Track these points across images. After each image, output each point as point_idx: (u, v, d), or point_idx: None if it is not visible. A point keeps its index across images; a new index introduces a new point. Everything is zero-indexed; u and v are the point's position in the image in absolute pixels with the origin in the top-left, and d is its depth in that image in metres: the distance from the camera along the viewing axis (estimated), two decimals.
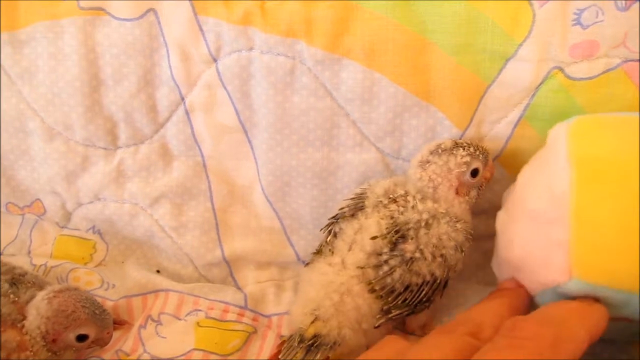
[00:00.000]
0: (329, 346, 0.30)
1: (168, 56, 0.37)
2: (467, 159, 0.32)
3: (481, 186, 0.34)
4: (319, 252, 0.33)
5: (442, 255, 0.31)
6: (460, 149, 0.32)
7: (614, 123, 0.29)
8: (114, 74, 0.37)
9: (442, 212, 0.32)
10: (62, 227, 0.42)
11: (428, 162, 0.33)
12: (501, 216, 0.31)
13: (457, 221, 0.32)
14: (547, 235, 0.27)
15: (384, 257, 0.31)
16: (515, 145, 0.35)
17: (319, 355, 0.30)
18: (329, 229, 0.33)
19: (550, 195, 0.27)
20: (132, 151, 0.39)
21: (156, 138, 0.39)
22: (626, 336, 0.31)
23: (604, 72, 0.32)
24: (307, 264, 0.34)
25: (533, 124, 0.35)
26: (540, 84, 0.33)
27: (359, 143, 0.37)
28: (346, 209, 0.33)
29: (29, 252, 0.41)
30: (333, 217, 0.34)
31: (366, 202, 0.33)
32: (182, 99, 0.37)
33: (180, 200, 0.39)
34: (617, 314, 0.27)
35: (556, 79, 0.33)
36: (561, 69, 0.33)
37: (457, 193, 0.33)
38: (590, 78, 0.32)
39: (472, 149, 0.33)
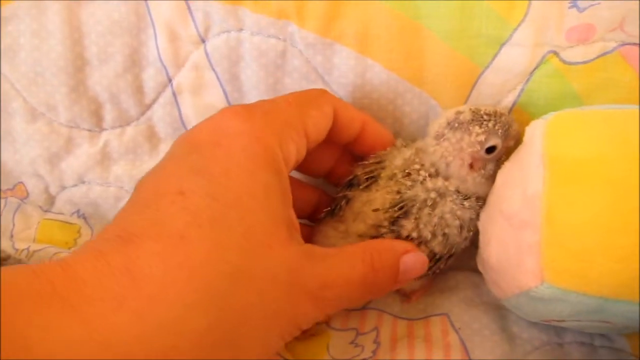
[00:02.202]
0: None
1: (155, 36, 0.36)
2: (482, 137, 0.30)
3: (500, 158, 0.32)
4: (330, 212, 0.33)
5: (444, 234, 0.30)
6: (477, 125, 0.31)
7: (594, 119, 0.28)
8: (100, 54, 0.36)
9: (450, 190, 0.31)
10: (46, 211, 0.41)
11: (443, 136, 0.31)
12: (483, 214, 0.31)
13: (465, 198, 0.31)
14: (520, 238, 0.27)
15: (382, 230, 0.30)
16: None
17: None
18: (343, 193, 0.33)
19: (524, 197, 0.27)
20: (117, 133, 0.38)
21: (142, 120, 0.38)
22: (614, 331, 0.31)
23: (600, 56, 0.32)
24: (318, 219, 0.34)
25: (527, 109, 0.34)
26: (535, 68, 0.33)
27: None
28: (362, 176, 0.32)
29: (12, 236, 0.40)
30: (349, 182, 0.33)
31: (382, 174, 0.32)
32: (170, 80, 0.37)
33: None
34: (593, 318, 0.26)
35: (551, 63, 0.32)
36: (556, 53, 0.32)
37: (471, 168, 0.31)
38: (585, 62, 0.32)
39: (490, 124, 0.31)
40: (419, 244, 0.30)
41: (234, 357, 0.23)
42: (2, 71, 0.37)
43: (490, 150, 0.31)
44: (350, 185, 0.33)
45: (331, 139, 0.32)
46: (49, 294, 0.20)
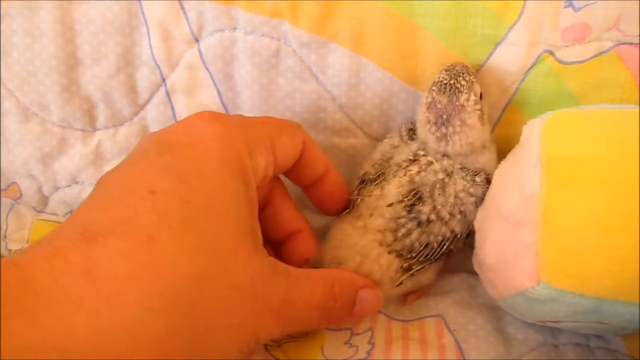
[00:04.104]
0: None
1: (148, 35, 0.35)
2: (473, 97, 0.30)
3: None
4: (348, 209, 0.33)
5: (461, 212, 0.31)
6: (460, 94, 0.30)
7: (591, 119, 0.27)
8: (92, 53, 0.36)
9: (457, 167, 0.31)
10: (39, 212, 0.40)
11: (447, 122, 0.31)
12: (479, 214, 0.31)
13: (476, 174, 0.31)
14: (516, 238, 0.26)
15: (402, 220, 0.30)
16: (504, 130, 0.35)
17: None
18: (357, 190, 0.33)
19: (521, 196, 0.27)
20: (111, 133, 0.38)
21: (136, 120, 0.38)
22: (610, 332, 0.31)
23: (595, 56, 0.31)
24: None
25: (522, 109, 0.34)
26: (530, 68, 0.33)
27: (345, 127, 0.36)
28: (371, 174, 0.32)
29: (5, 237, 0.40)
30: (361, 178, 0.33)
31: (387, 171, 0.32)
32: (163, 80, 0.36)
33: None
34: (589, 319, 0.26)
35: (546, 63, 0.32)
36: (552, 53, 0.32)
37: (480, 122, 0.31)
38: (581, 62, 0.32)
39: (465, 82, 0.31)
40: (440, 226, 0.30)
41: None
42: None
43: (480, 95, 0.31)
44: (363, 182, 0.33)
45: (293, 177, 0.32)
46: (3, 296, 0.19)
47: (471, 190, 0.31)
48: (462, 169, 0.31)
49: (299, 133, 0.31)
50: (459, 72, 0.31)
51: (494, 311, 0.33)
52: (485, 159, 0.32)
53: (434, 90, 0.31)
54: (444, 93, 0.30)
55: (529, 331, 0.31)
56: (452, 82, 0.31)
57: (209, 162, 0.25)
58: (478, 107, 0.31)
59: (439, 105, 0.31)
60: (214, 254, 0.23)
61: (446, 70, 0.31)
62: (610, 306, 0.25)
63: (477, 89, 0.31)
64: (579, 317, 0.26)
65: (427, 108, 0.31)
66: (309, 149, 0.31)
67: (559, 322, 0.28)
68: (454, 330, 0.32)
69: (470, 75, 0.31)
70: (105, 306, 0.20)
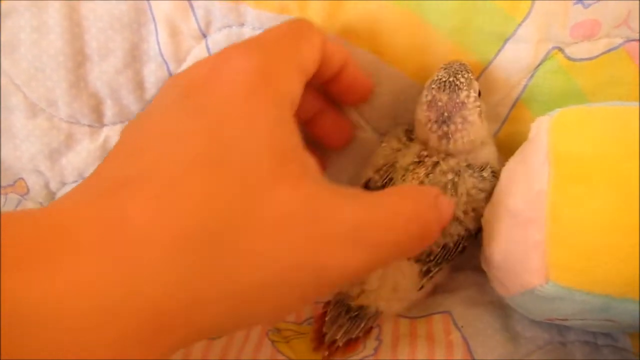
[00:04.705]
0: (372, 316, 0.32)
1: (156, 31, 0.35)
2: (473, 94, 0.30)
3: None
4: None
5: (474, 210, 0.31)
6: (460, 91, 0.30)
7: (600, 116, 0.27)
8: (100, 49, 0.36)
9: (463, 165, 0.31)
10: None
11: (449, 120, 0.31)
12: (486, 211, 0.31)
13: (482, 169, 0.31)
14: (524, 236, 0.26)
15: None
16: (511, 128, 0.35)
17: (362, 324, 0.31)
18: None
19: (529, 194, 0.27)
20: (118, 129, 0.38)
21: None
22: (618, 330, 0.31)
23: (604, 52, 0.31)
24: None
25: (530, 106, 0.34)
26: (539, 65, 0.33)
27: (355, 123, 0.36)
28: (377, 180, 0.32)
29: None
30: (365, 185, 0.33)
31: (394, 176, 0.32)
32: (171, 75, 0.36)
33: None
34: (598, 317, 0.26)
35: (555, 59, 0.32)
36: (561, 50, 0.32)
37: (480, 120, 0.31)
38: (590, 58, 0.32)
39: (463, 79, 0.30)
40: (456, 226, 0.31)
41: (234, 314, 0.21)
42: (2, 66, 0.37)
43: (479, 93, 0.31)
44: (367, 188, 0.33)
45: (313, 77, 0.30)
46: (34, 246, 0.18)
47: (480, 186, 0.31)
48: (468, 166, 0.31)
49: (314, 33, 0.29)
50: (458, 70, 0.31)
51: (502, 309, 0.33)
52: (487, 152, 0.32)
53: (433, 88, 0.31)
54: (444, 90, 0.30)
55: (537, 329, 0.31)
56: (451, 79, 0.30)
57: (235, 96, 0.24)
58: (478, 103, 0.31)
59: (440, 103, 0.30)
60: (246, 187, 0.21)
61: (444, 68, 0.31)
62: (618, 304, 0.25)
63: (476, 85, 0.31)
64: (587, 315, 0.26)
65: (427, 106, 0.31)
66: (327, 46, 0.29)
67: (567, 320, 0.28)
68: (462, 327, 0.32)
69: (468, 72, 0.31)
70: (133, 250, 0.19)
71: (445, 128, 0.31)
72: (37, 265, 0.18)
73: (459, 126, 0.30)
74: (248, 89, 0.24)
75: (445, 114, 0.30)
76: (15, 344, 0.17)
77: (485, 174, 0.31)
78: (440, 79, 0.31)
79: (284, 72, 0.26)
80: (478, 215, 0.31)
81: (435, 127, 0.31)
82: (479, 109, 0.31)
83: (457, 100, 0.30)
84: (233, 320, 0.22)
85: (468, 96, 0.30)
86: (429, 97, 0.31)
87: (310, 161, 0.24)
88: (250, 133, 0.23)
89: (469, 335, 0.31)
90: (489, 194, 0.31)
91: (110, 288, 0.18)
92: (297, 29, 0.29)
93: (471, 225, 0.31)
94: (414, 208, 0.25)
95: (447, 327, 0.32)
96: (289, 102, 0.25)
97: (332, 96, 0.33)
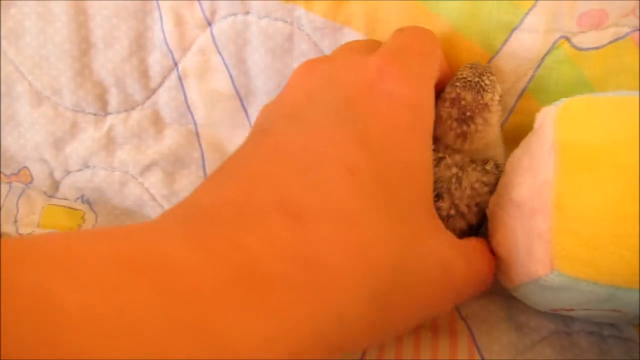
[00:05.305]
0: None
1: (161, 19, 0.35)
2: (497, 97, 0.31)
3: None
4: None
5: (477, 204, 0.30)
6: (484, 93, 0.30)
7: (606, 105, 0.27)
8: (105, 37, 0.36)
9: (467, 161, 0.31)
10: (50, 197, 0.40)
11: (470, 120, 0.31)
12: (491, 202, 0.30)
13: (485, 162, 0.31)
14: (530, 226, 0.26)
15: None
16: (518, 118, 0.34)
17: None
18: None
19: (534, 184, 0.26)
20: (122, 117, 0.38)
21: (148, 104, 0.37)
22: (624, 321, 0.30)
23: (611, 42, 0.31)
24: None
25: (537, 96, 0.34)
26: (546, 54, 0.32)
27: None
28: None
29: (16, 221, 0.40)
30: None
31: None
32: (175, 64, 0.36)
33: (172, 169, 0.38)
34: (603, 307, 0.26)
35: (562, 49, 0.32)
36: (568, 39, 0.32)
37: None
38: (597, 48, 0.31)
39: (489, 81, 0.30)
40: (459, 220, 0.30)
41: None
42: (7, 54, 0.37)
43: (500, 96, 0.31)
44: None
45: None
46: (237, 282, 0.17)
47: (484, 179, 0.30)
48: (471, 160, 0.31)
49: (440, 51, 0.29)
50: (483, 71, 0.31)
51: (507, 299, 0.32)
52: (493, 154, 0.32)
53: (457, 85, 0.30)
54: (468, 90, 0.30)
55: (542, 319, 0.31)
56: (476, 79, 0.30)
57: (397, 132, 0.23)
58: (500, 107, 0.31)
59: (463, 102, 0.30)
60: (408, 238, 0.22)
61: (470, 68, 0.31)
62: (624, 294, 0.24)
63: (499, 89, 0.31)
64: (592, 305, 0.26)
65: (450, 103, 0.31)
66: (443, 64, 0.30)
67: (572, 310, 0.28)
68: (466, 316, 0.32)
69: (492, 75, 0.31)
70: (322, 297, 0.18)
71: (465, 127, 0.30)
72: (240, 304, 0.17)
73: (479, 127, 0.30)
74: (408, 124, 0.23)
75: (468, 113, 0.30)
76: None
77: (488, 167, 0.31)
78: (466, 77, 0.30)
79: (429, 104, 0.26)
80: (481, 210, 0.31)
81: (455, 124, 0.31)
82: (500, 112, 0.31)
83: (481, 102, 0.30)
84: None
85: (492, 99, 0.30)
86: (453, 95, 0.30)
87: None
88: (410, 179, 0.23)
89: (473, 324, 0.31)
90: (493, 187, 0.31)
91: (302, 335, 0.18)
92: (431, 46, 0.29)
93: (474, 220, 0.31)
94: (490, 270, 0.27)
95: (452, 316, 0.32)
96: (431, 136, 0.25)
97: None
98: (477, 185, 0.30)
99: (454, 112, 0.30)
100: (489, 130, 0.31)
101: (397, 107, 0.24)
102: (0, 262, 0.15)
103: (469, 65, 0.31)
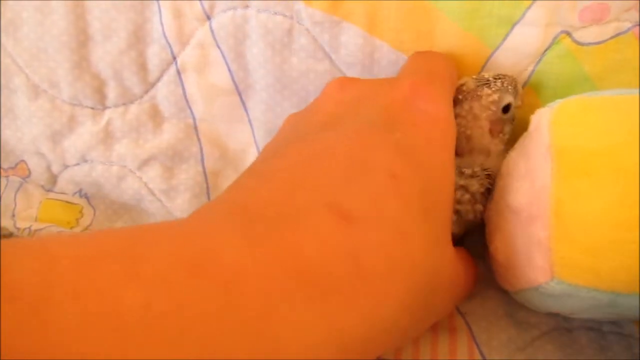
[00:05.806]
0: None
1: (160, 12, 0.35)
2: (495, 96, 0.30)
3: (514, 118, 0.32)
4: None
5: (457, 212, 0.29)
6: (485, 88, 0.30)
7: (602, 107, 0.26)
8: (103, 29, 0.35)
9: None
10: (48, 191, 0.40)
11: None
12: (489, 207, 0.30)
13: (464, 168, 0.30)
14: (528, 233, 0.25)
15: None
16: (518, 114, 0.34)
17: None
18: None
19: (531, 190, 0.26)
20: (121, 111, 0.37)
21: (146, 98, 0.37)
22: (625, 319, 0.30)
23: (613, 37, 0.31)
24: None
25: (538, 91, 0.33)
26: (547, 49, 0.32)
27: None
28: None
29: (13, 215, 0.40)
30: None
31: None
32: (174, 58, 0.36)
33: (171, 163, 0.38)
34: (604, 312, 0.26)
35: (563, 44, 0.32)
36: (569, 34, 0.32)
37: (491, 134, 0.31)
38: (598, 43, 0.31)
39: (499, 83, 0.30)
40: None
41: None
42: (4, 46, 0.36)
43: (505, 109, 0.31)
44: None
45: None
46: (293, 283, 0.17)
47: (461, 183, 0.29)
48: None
49: (455, 73, 0.31)
50: (511, 82, 0.32)
51: (505, 295, 0.32)
52: (484, 160, 0.31)
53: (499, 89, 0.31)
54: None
55: (541, 315, 0.31)
56: (480, 84, 0.31)
57: (433, 147, 0.24)
58: (491, 114, 0.31)
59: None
60: (439, 246, 0.22)
61: (500, 79, 0.31)
62: (625, 300, 0.24)
63: (508, 97, 0.31)
64: (593, 311, 0.26)
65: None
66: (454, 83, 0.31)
67: (573, 314, 0.28)
68: (465, 313, 0.32)
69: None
70: (370, 301, 0.19)
71: None
72: (300, 305, 0.17)
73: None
74: (439, 138, 0.25)
75: None
76: None
77: (467, 170, 0.29)
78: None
79: (453, 122, 0.27)
80: (462, 221, 0.30)
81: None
82: (493, 119, 0.31)
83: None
84: None
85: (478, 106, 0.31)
86: (495, 98, 0.31)
87: None
88: (443, 191, 0.24)
89: (472, 321, 0.31)
90: (475, 196, 0.29)
91: (353, 341, 0.18)
92: (451, 71, 0.30)
93: (455, 230, 0.29)
94: (475, 279, 0.29)
95: (451, 312, 0.32)
96: (454, 151, 0.27)
97: None
98: (457, 192, 0.29)
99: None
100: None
101: (431, 122, 0.25)
102: (59, 262, 0.15)
103: (499, 76, 0.32)
